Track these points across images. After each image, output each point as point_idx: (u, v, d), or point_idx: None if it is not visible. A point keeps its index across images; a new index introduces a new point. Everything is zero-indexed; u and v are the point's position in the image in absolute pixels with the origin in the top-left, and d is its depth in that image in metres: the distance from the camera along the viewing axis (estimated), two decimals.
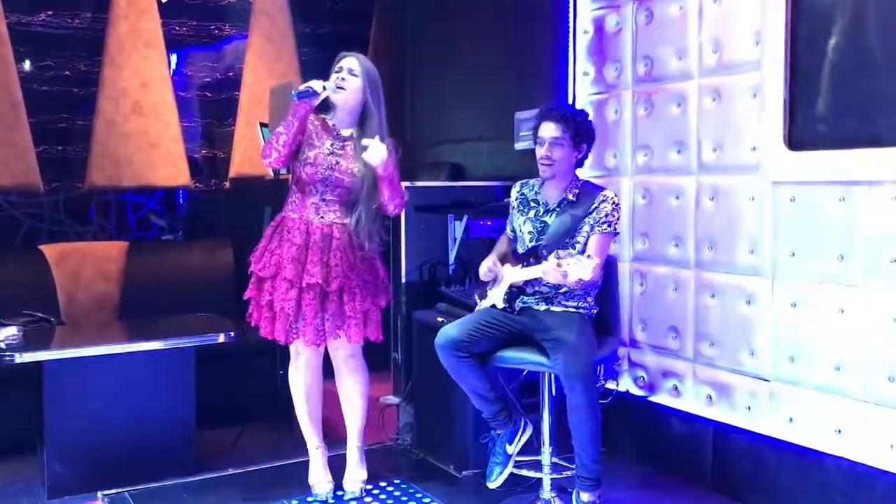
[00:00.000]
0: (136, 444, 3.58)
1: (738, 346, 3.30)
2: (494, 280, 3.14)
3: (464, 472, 3.62)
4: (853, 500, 2.95)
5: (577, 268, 2.70)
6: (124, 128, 5.20)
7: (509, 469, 3.11)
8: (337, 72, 3.18)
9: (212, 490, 3.50)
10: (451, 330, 3.01)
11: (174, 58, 5.50)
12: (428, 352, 3.74)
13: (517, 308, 3.11)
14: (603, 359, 3.08)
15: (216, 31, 5.62)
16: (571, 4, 4.02)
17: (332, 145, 3.20)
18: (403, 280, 4.13)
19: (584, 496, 2.94)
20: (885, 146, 2.77)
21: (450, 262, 4.18)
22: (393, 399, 4.23)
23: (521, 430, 3.12)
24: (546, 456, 3.16)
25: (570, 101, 4.00)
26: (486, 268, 3.13)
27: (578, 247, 3.06)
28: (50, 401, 3.50)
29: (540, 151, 3.07)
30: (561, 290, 3.08)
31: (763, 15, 3.15)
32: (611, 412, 3.28)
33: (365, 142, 3.09)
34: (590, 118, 3.18)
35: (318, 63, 5.14)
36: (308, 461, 3.43)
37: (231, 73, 5.68)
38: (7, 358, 3.43)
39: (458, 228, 4.16)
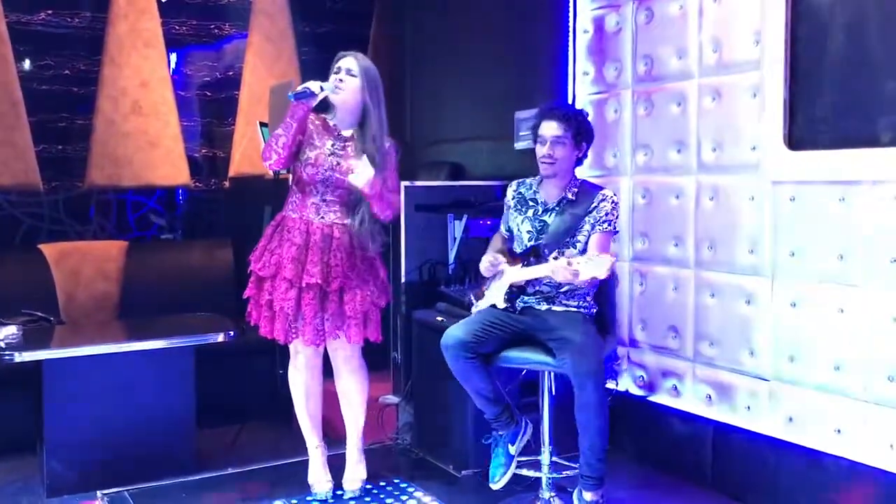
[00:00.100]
0: (136, 443, 3.58)
1: (738, 345, 3.30)
2: (494, 276, 3.14)
3: (463, 472, 3.62)
4: (853, 500, 2.95)
5: (590, 266, 2.71)
6: (124, 127, 5.20)
7: (512, 469, 3.11)
8: (335, 72, 3.18)
9: (211, 489, 3.50)
10: (456, 331, 3.01)
11: (174, 57, 5.50)
12: (427, 351, 3.76)
13: (518, 308, 3.11)
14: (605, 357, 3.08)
15: (216, 31, 5.62)
16: (571, 4, 4.02)
17: (332, 146, 3.20)
18: (403, 279, 4.13)
19: (588, 495, 2.94)
20: (885, 146, 2.77)
21: (449, 261, 4.18)
22: (392, 398, 4.23)
23: (522, 431, 3.12)
24: (545, 455, 3.16)
25: (570, 101, 4.00)
26: (487, 262, 3.12)
27: (579, 246, 3.06)
28: (49, 400, 3.50)
29: (541, 150, 3.07)
30: (562, 290, 3.08)
31: (763, 15, 3.15)
32: (610, 412, 3.27)
33: (352, 163, 3.10)
34: (589, 118, 3.19)
35: (317, 62, 5.14)
36: (307, 460, 3.42)
37: (231, 73, 5.68)
38: (6, 357, 3.42)
39: (457, 228, 4.16)
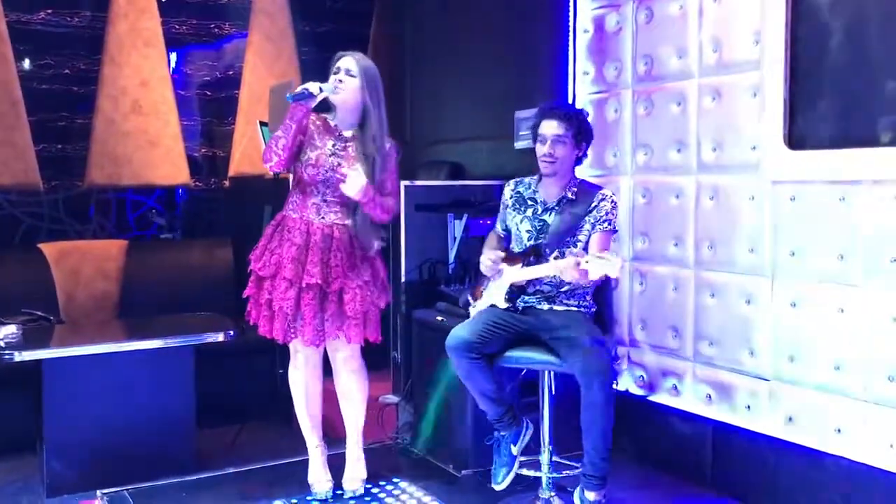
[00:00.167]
0: (136, 442, 3.58)
1: (738, 345, 3.30)
2: (492, 276, 3.14)
3: (463, 471, 3.62)
4: (853, 500, 2.95)
5: (601, 266, 2.70)
6: (124, 126, 5.21)
7: (515, 470, 3.11)
8: (335, 72, 3.17)
9: (211, 489, 3.50)
10: (461, 331, 3.00)
11: (174, 56, 5.50)
12: (427, 351, 3.76)
13: (520, 307, 3.11)
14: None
15: (216, 30, 5.62)
16: (571, 3, 4.02)
17: (333, 146, 3.19)
18: (403, 279, 4.13)
19: (590, 495, 2.94)
20: (885, 146, 2.77)
21: (449, 261, 4.18)
22: (392, 398, 4.23)
23: (523, 431, 3.12)
24: (545, 455, 3.16)
25: (570, 101, 4.00)
26: (489, 261, 3.12)
27: (580, 245, 3.07)
28: (49, 399, 3.50)
29: (542, 149, 3.07)
30: (562, 289, 3.08)
31: (763, 14, 3.15)
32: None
33: (344, 171, 3.10)
34: (589, 117, 3.19)
35: (317, 62, 5.13)
36: (307, 460, 3.42)
37: (231, 72, 5.68)
38: (6, 356, 3.42)
39: (457, 227, 4.16)
